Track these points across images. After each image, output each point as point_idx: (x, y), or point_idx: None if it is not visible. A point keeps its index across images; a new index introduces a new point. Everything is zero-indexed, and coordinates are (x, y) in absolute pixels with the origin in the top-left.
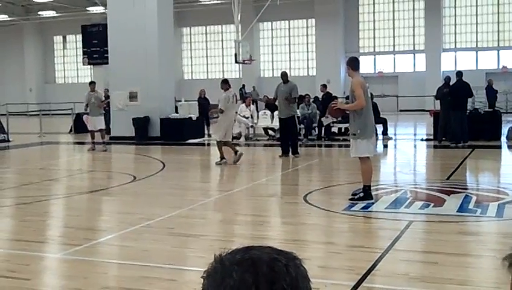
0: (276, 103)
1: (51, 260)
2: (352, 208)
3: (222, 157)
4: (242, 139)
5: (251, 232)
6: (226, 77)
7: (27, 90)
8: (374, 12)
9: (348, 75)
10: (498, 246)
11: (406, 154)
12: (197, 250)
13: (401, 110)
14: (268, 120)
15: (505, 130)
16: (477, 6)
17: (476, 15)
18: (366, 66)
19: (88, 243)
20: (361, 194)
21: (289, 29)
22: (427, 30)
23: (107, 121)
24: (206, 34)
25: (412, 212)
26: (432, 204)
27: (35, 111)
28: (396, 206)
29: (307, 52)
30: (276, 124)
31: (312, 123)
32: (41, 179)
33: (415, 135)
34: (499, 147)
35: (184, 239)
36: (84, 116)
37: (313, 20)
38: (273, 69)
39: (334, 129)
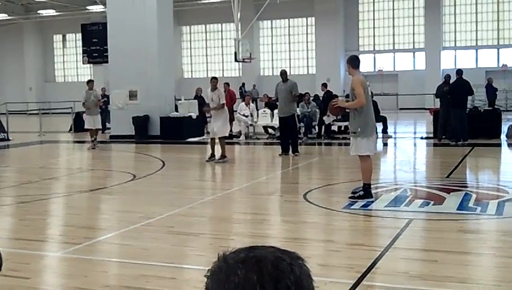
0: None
1: (51, 258)
2: (352, 206)
3: (224, 156)
4: (242, 137)
5: (251, 231)
6: (226, 75)
7: (27, 89)
8: (373, 10)
9: (349, 73)
10: (498, 244)
11: (405, 153)
12: (197, 248)
13: (401, 109)
14: (268, 119)
15: (504, 128)
16: (477, 4)
17: (476, 13)
18: (366, 64)
19: (88, 241)
20: (361, 193)
21: (289, 27)
22: (427, 28)
23: (103, 120)
24: (205, 32)
25: (412, 210)
26: (432, 202)
27: (35, 110)
28: (396, 205)
29: (307, 50)
30: (276, 122)
31: (312, 121)
32: (41, 178)
33: (414, 133)
34: (499, 145)
35: (184, 237)
36: (84, 115)
37: (313, 18)
38: (273, 68)
39: (334, 127)
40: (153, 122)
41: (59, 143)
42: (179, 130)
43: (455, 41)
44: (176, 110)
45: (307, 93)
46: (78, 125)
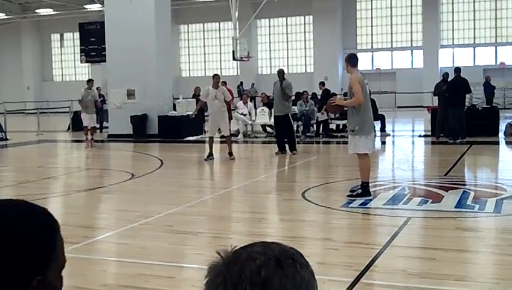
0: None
1: None
2: (351, 205)
3: (231, 153)
4: (240, 136)
5: (249, 229)
6: (224, 74)
7: (25, 89)
8: (371, 8)
9: (347, 71)
10: (496, 242)
11: (403, 151)
12: (195, 247)
13: (399, 107)
14: (266, 117)
15: (502, 126)
16: (474, 2)
17: (474, 11)
18: (363, 62)
19: (86, 240)
20: (360, 191)
21: (287, 26)
22: (425, 26)
23: (99, 119)
24: (203, 31)
25: (410, 208)
26: (430, 200)
27: (32, 109)
28: (394, 203)
29: (305, 49)
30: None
31: (310, 120)
32: (39, 177)
33: (413, 131)
34: (497, 143)
35: (182, 236)
36: (82, 114)
37: (311, 17)
38: (271, 66)
39: (332, 126)
40: (151, 121)
41: (57, 142)
42: (177, 129)
43: (453, 39)
44: (174, 109)
45: (305, 91)
46: (76, 124)
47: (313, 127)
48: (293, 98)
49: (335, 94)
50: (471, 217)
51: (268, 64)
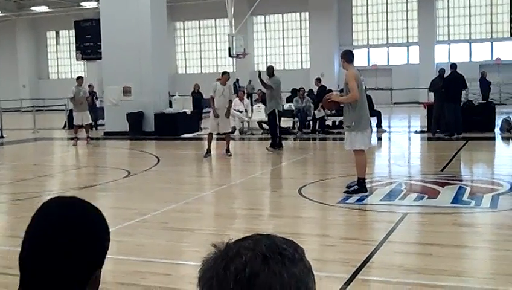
0: None
1: None
2: (347, 201)
3: (228, 150)
4: (236, 133)
5: (246, 226)
6: (220, 71)
7: (20, 86)
8: (367, 5)
9: (343, 68)
10: (492, 237)
11: (400, 147)
12: (192, 244)
13: (395, 103)
14: (262, 114)
15: (498, 122)
16: None
17: (469, 7)
18: (359, 59)
19: None
20: (356, 187)
21: (283, 22)
22: (421, 22)
23: (92, 117)
24: (199, 28)
25: (407, 204)
26: (426, 196)
27: (28, 107)
28: (390, 199)
29: (301, 45)
30: None
31: (306, 116)
32: (36, 175)
33: (409, 127)
34: (493, 138)
35: (179, 233)
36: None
37: (307, 13)
38: (267, 63)
39: (329, 122)
40: (147, 118)
41: (53, 140)
42: (173, 126)
43: (449, 35)
44: (170, 106)
45: (302, 88)
46: (72, 122)
47: (310, 124)
48: (289, 94)
49: (331, 90)
50: (468, 212)
51: (264, 61)
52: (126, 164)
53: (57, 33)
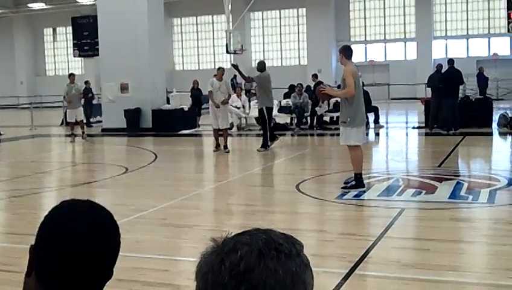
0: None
1: None
2: (345, 197)
3: (226, 146)
4: (234, 129)
5: (244, 222)
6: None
7: (18, 83)
8: (364, 0)
9: (341, 63)
10: (490, 232)
11: (397, 142)
12: (190, 240)
13: (392, 99)
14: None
15: (495, 117)
16: None
17: (467, 2)
18: (357, 54)
19: None
20: (353, 182)
21: (280, 18)
22: (418, 18)
23: (87, 114)
24: (196, 24)
25: (404, 199)
26: (424, 191)
27: (26, 104)
28: (388, 194)
29: (298, 41)
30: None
31: (304, 112)
32: (33, 172)
33: (406, 123)
34: (490, 134)
35: (177, 230)
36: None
37: (304, 9)
38: (264, 59)
39: (326, 118)
40: (145, 114)
41: (51, 137)
42: (170, 123)
43: (446, 30)
44: (168, 102)
45: (299, 84)
46: None
47: (307, 120)
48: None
49: (329, 86)
50: (465, 207)
51: (261, 57)
52: (124, 161)
53: (54, 30)
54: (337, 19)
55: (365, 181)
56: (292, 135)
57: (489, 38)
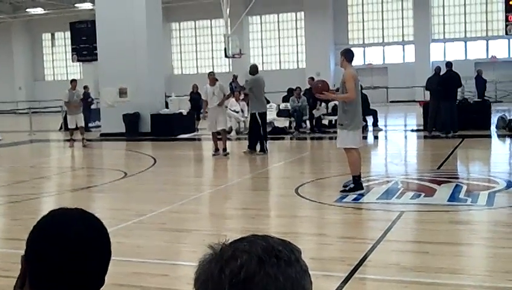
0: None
1: None
2: (344, 200)
3: (225, 149)
4: (233, 133)
5: (243, 226)
6: (216, 71)
7: (16, 89)
8: (362, 4)
9: (341, 66)
10: (489, 235)
11: (396, 145)
12: (189, 245)
13: (391, 102)
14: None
15: (494, 120)
16: None
17: (465, 5)
18: (355, 58)
19: None
20: (352, 185)
21: (278, 22)
22: (416, 21)
23: (86, 119)
24: (195, 28)
25: (403, 202)
26: (423, 194)
27: (24, 109)
28: (387, 197)
29: (297, 45)
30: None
31: (303, 116)
32: (32, 177)
33: (405, 125)
34: (489, 136)
35: (176, 234)
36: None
37: (302, 13)
38: (263, 63)
39: (325, 122)
40: (144, 119)
41: (49, 142)
42: (169, 127)
43: (444, 33)
44: (167, 106)
45: (298, 87)
46: (68, 124)
47: (306, 123)
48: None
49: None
50: (464, 210)
51: (260, 60)
52: (123, 165)
53: (53, 35)
54: (335, 23)
55: (364, 184)
56: (291, 139)
57: (487, 40)
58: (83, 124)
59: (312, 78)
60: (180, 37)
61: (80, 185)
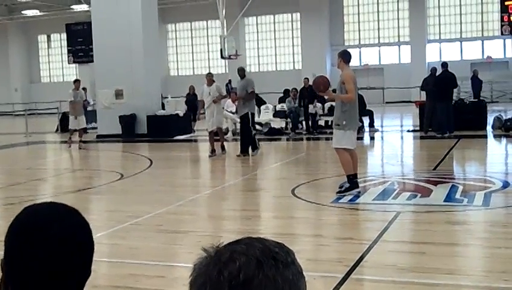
0: None
1: None
2: (340, 201)
3: (223, 147)
4: (229, 134)
5: (240, 227)
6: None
7: (12, 90)
8: (358, 4)
9: (338, 67)
10: (485, 235)
11: (392, 146)
12: (186, 246)
13: (387, 102)
14: (255, 115)
15: (490, 120)
16: None
17: (460, 5)
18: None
19: None
20: (347, 185)
21: (274, 23)
22: (412, 22)
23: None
24: (191, 30)
25: (400, 203)
26: (419, 195)
27: (20, 111)
28: (383, 198)
29: (293, 46)
30: (263, 118)
31: (299, 117)
32: (29, 179)
33: (401, 126)
34: (485, 136)
35: (173, 236)
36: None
37: (298, 14)
38: (259, 64)
39: (321, 122)
40: (140, 120)
41: (46, 144)
42: (166, 128)
43: (440, 34)
44: (163, 108)
45: (294, 88)
46: (64, 125)
47: (302, 124)
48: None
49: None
50: (460, 210)
51: (256, 62)
52: (119, 167)
53: (49, 37)
54: (331, 24)
55: (361, 185)
56: (287, 140)
57: (483, 41)
58: (84, 126)
59: (307, 79)
60: (176, 38)
61: (76, 187)
